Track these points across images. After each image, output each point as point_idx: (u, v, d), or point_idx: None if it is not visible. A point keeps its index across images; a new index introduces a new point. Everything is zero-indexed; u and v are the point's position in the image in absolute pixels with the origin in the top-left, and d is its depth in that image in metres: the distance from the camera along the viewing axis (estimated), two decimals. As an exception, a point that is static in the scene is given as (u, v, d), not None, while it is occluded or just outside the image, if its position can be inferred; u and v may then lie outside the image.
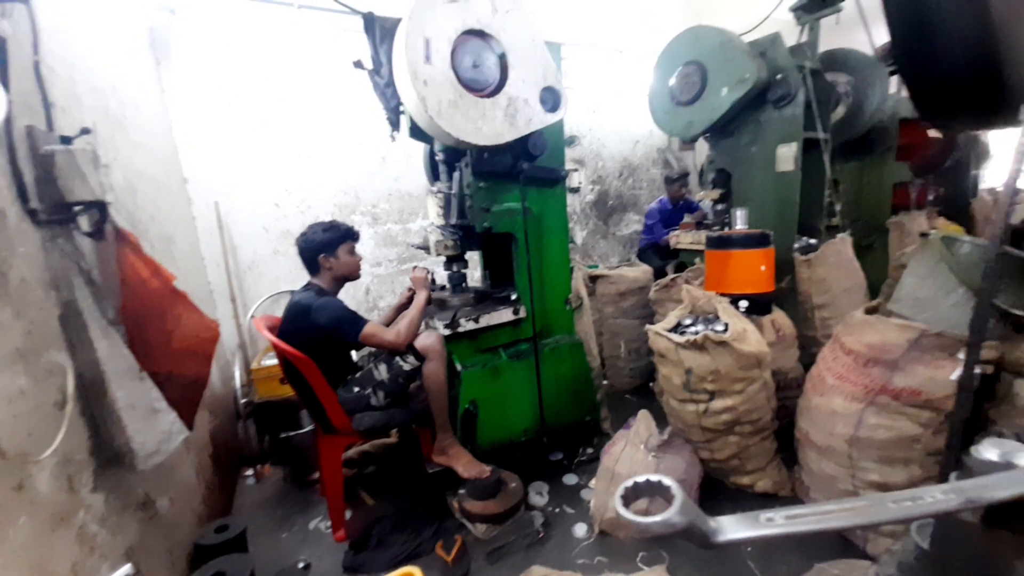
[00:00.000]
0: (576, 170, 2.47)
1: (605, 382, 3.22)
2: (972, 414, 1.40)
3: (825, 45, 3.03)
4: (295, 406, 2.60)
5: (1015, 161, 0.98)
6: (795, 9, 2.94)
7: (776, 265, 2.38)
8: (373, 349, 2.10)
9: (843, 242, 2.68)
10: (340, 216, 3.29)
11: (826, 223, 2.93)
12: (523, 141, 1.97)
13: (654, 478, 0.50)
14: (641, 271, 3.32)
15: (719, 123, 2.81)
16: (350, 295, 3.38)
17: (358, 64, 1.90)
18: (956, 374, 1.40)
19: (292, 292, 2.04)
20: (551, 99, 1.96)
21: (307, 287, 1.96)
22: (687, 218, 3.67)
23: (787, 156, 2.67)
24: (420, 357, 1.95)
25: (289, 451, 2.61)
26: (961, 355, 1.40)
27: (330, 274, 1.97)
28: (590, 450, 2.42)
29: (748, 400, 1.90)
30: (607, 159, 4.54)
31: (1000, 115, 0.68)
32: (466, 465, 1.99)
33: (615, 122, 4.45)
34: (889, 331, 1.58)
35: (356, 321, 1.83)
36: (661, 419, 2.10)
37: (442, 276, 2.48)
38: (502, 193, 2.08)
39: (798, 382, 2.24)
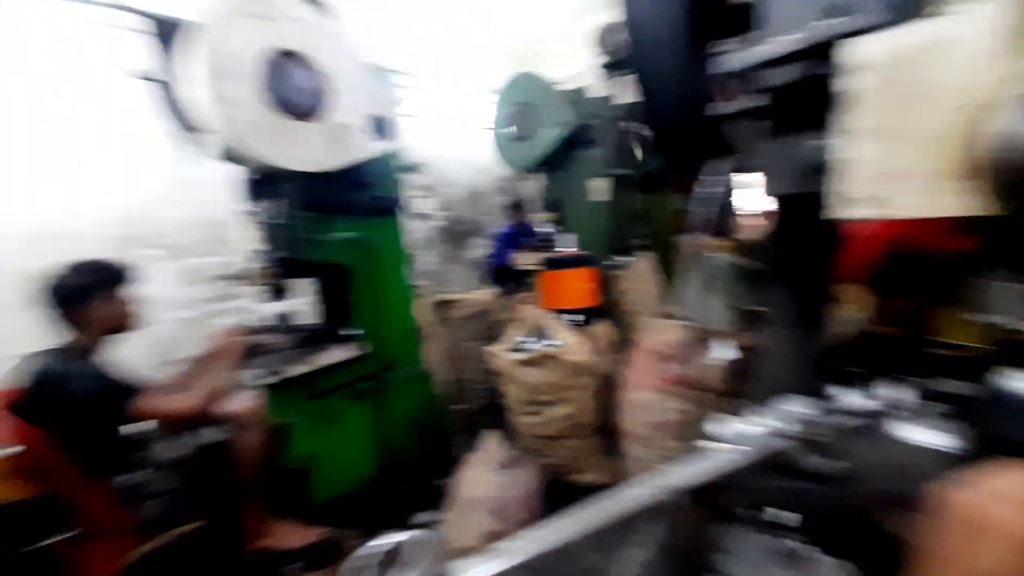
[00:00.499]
0: (426, 197, 2.48)
1: (461, 407, 3.23)
2: (738, 392, 1.78)
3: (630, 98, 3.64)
4: (48, 505, 1.98)
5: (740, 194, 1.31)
6: (604, 67, 3.48)
7: (601, 281, 2.73)
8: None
9: (646, 260, 3.18)
10: (126, 251, 2.70)
11: (635, 244, 3.47)
12: (353, 169, 1.90)
13: (392, 541, 0.47)
14: (489, 294, 3.46)
15: (548, 158, 3.18)
16: (136, 349, 2.77)
17: (146, 77, 1.62)
18: (718, 359, 1.78)
19: (39, 355, 1.56)
20: (380, 127, 1.94)
21: (56, 348, 1.54)
22: (528, 242, 3.95)
23: (599, 189, 3.10)
24: (228, 425, 1.67)
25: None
26: (723, 344, 1.79)
27: (89, 329, 1.56)
28: (446, 481, 2.38)
29: (581, 405, 2.10)
30: (456, 186, 4.67)
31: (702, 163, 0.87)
32: (293, 536, 1.76)
33: (463, 151, 4.62)
34: (675, 331, 1.94)
35: (127, 389, 1.48)
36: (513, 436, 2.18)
37: (265, 313, 2.21)
38: (332, 222, 1.96)
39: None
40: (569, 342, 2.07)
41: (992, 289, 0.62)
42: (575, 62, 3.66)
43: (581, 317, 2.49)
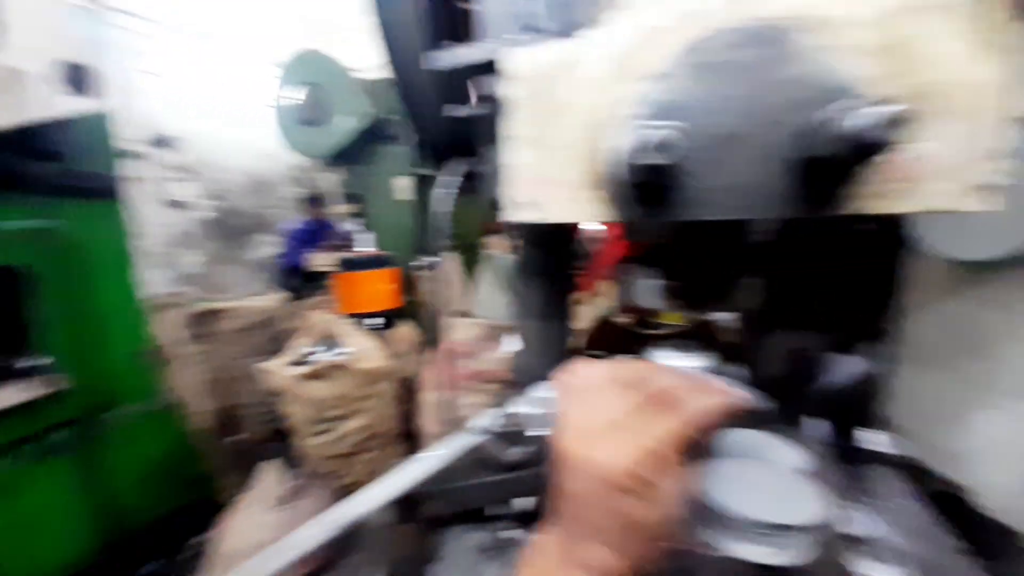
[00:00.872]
0: (183, 181, 1.92)
1: (235, 439, 2.68)
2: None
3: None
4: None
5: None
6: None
7: (404, 281, 2.62)
8: None
9: (452, 260, 3.21)
10: None
11: (442, 244, 3.47)
12: (31, 132, 1.33)
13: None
14: (272, 300, 2.98)
15: (345, 150, 2.90)
16: None
17: None
18: (501, 351, 1.88)
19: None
20: (78, 79, 1.41)
21: None
22: (325, 240, 3.57)
23: (402, 187, 2.98)
24: None
25: None
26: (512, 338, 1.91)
27: None
28: (203, 538, 1.92)
29: (378, 414, 1.96)
30: (233, 172, 3.89)
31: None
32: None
33: (241, 131, 3.86)
34: (469, 329, 1.98)
35: None
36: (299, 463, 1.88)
37: None
38: (-7, 203, 1.34)
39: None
40: (362, 349, 1.90)
41: (638, 282, 0.77)
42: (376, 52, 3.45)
43: (380, 321, 2.34)
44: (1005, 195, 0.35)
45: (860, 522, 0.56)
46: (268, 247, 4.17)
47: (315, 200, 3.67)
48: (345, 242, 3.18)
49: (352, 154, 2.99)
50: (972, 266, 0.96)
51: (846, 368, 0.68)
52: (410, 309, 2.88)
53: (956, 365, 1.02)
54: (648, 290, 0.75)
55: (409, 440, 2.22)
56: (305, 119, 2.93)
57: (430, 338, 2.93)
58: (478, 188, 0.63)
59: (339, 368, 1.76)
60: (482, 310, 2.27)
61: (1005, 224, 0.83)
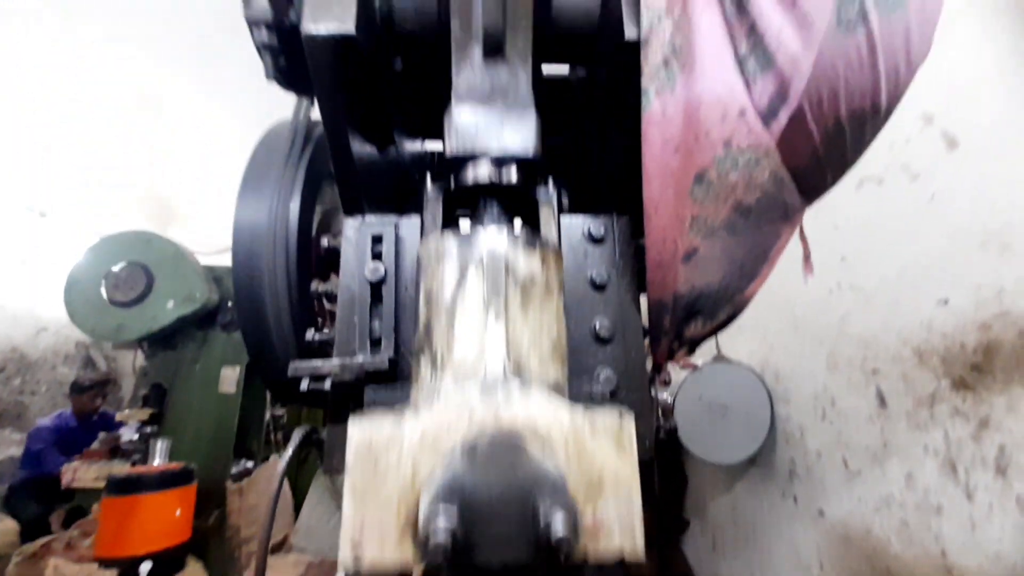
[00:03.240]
0: None
1: None
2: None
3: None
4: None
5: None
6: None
7: (206, 498, 2.14)
8: None
9: (276, 463, 2.81)
10: None
11: (264, 443, 3.05)
12: None
13: None
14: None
15: (159, 334, 2.60)
16: None
17: None
18: None
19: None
20: None
21: None
22: (97, 442, 2.82)
23: (231, 378, 2.70)
24: None
25: None
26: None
27: None
28: None
29: None
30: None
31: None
32: None
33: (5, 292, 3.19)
34: (285, 569, 1.64)
35: None
36: None
37: None
38: None
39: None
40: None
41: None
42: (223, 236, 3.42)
43: (150, 565, 1.81)
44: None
45: None
46: (14, 447, 3.09)
47: (90, 387, 2.92)
48: (125, 448, 2.55)
49: (167, 339, 2.67)
50: (730, 468, 1.31)
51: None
52: (212, 534, 2.31)
53: (739, 553, 1.23)
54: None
55: None
56: (117, 298, 2.61)
57: (233, 573, 2.31)
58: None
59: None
60: (303, 539, 1.96)
61: (743, 438, 1.15)
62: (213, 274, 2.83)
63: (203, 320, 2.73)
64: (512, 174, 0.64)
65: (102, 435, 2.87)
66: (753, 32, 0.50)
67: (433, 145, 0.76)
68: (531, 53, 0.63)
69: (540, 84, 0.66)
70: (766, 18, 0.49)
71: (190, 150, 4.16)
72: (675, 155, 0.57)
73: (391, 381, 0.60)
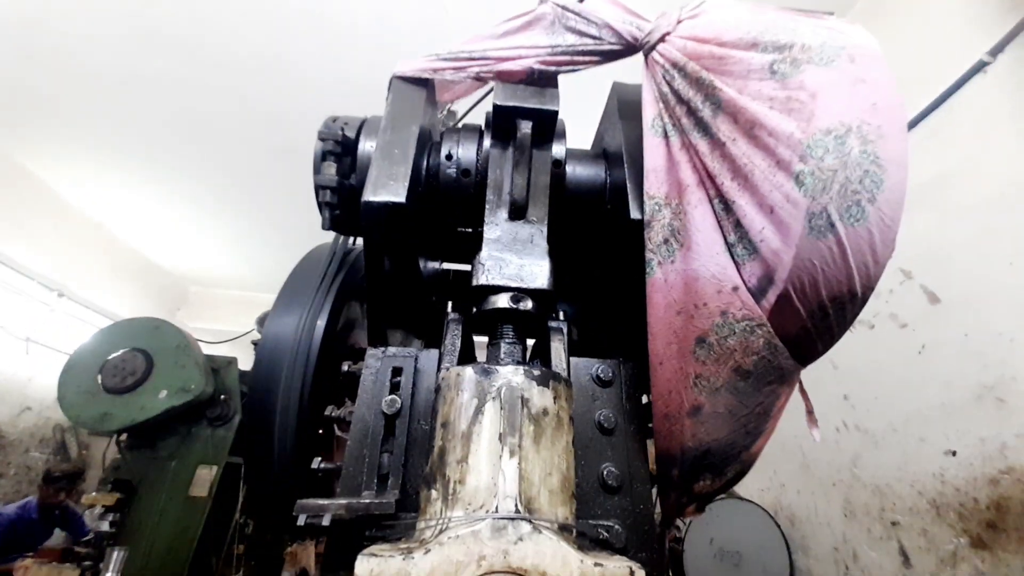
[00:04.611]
0: None
1: None
2: None
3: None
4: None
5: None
6: (254, 344, 3.40)
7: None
8: None
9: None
10: None
11: (226, 557, 2.75)
12: None
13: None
14: None
15: (143, 425, 2.50)
16: None
17: None
18: None
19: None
20: None
21: None
22: (53, 539, 2.59)
23: (205, 480, 2.54)
24: None
25: None
26: None
27: None
28: None
29: None
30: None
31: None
32: None
33: None
34: None
35: None
36: None
37: None
38: None
39: None
40: None
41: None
42: (236, 323, 3.48)
43: None
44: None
45: None
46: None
47: (60, 478, 2.71)
48: (81, 542, 2.32)
49: (148, 431, 2.56)
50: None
51: None
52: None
53: None
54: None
55: None
56: (111, 384, 2.56)
57: None
58: None
59: None
60: None
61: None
62: (212, 364, 2.81)
63: (189, 412, 2.65)
64: (528, 303, 0.70)
65: (58, 532, 2.62)
66: (739, 227, 0.59)
67: (451, 267, 0.85)
68: (547, 217, 0.74)
69: (555, 243, 0.76)
70: (749, 219, 0.58)
71: (208, 238, 4.41)
72: (677, 317, 0.63)
73: (394, 519, 0.59)
